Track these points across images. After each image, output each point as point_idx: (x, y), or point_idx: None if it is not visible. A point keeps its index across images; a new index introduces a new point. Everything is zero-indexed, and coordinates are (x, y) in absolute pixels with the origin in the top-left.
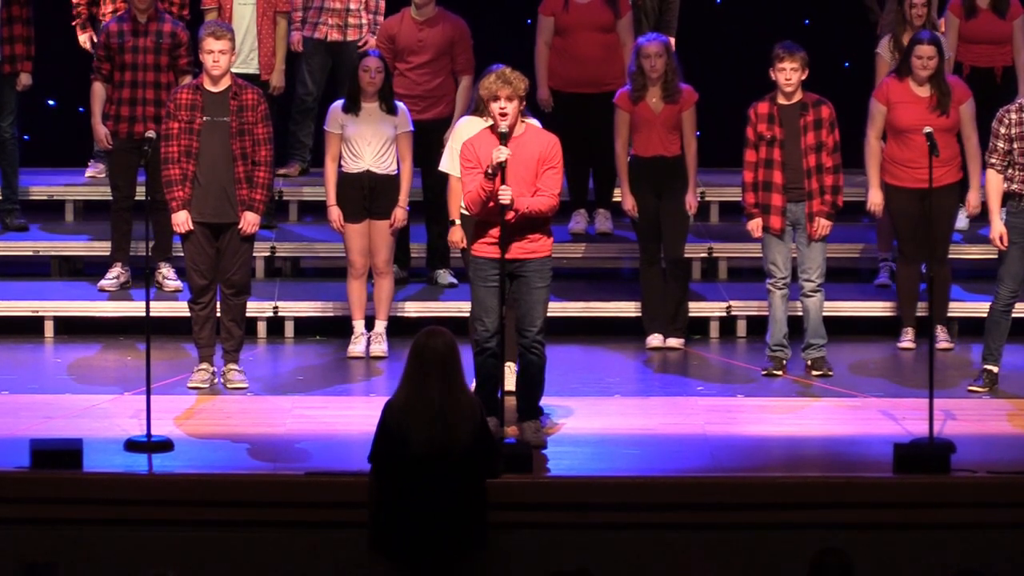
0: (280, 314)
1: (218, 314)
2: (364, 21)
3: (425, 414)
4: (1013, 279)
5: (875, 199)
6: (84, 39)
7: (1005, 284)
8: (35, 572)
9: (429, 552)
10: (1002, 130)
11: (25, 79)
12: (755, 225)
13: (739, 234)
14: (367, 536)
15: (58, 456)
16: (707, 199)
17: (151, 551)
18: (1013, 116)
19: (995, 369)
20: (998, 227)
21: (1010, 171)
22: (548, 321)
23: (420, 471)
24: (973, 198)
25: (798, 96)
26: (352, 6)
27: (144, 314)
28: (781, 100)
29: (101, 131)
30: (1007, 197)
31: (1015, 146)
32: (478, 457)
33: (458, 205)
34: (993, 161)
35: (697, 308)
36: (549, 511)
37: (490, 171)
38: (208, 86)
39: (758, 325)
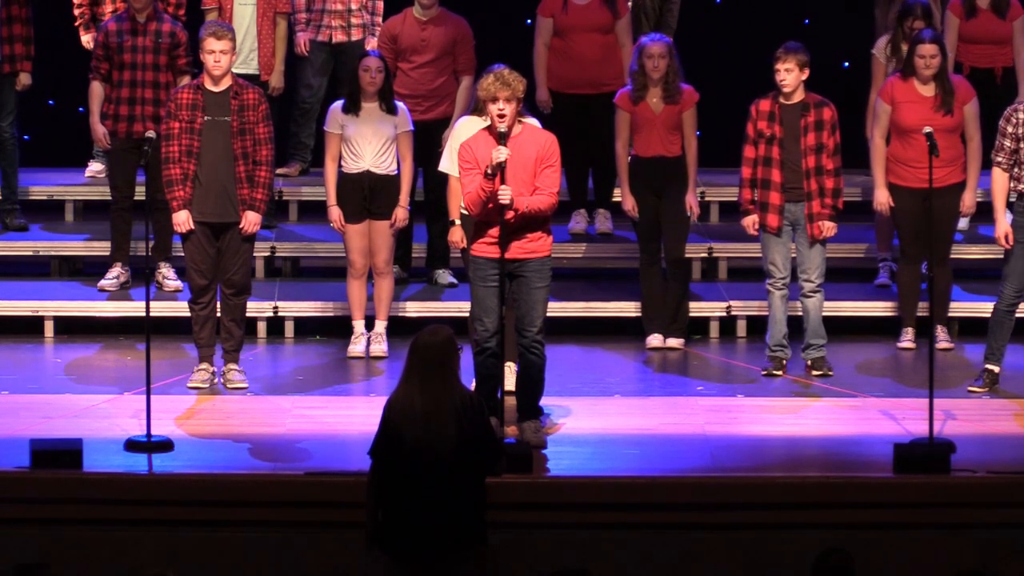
0: (280, 314)
1: (218, 314)
2: (365, 21)
3: (412, 412)
4: (1017, 278)
5: (881, 198)
6: (87, 39)
7: (1009, 283)
8: (26, 572)
9: (426, 549)
10: (1009, 129)
11: (25, 79)
12: (750, 221)
13: (739, 234)
14: (365, 533)
15: (58, 456)
16: (707, 199)
17: (151, 551)
18: (1021, 115)
19: (996, 369)
20: (1003, 226)
21: (1016, 170)
22: (548, 321)
23: (412, 469)
24: (968, 198)
25: (800, 96)
26: (353, 6)
27: (144, 314)
28: (783, 99)
29: (99, 130)
30: (1012, 198)
31: (1022, 146)
32: (473, 455)
33: (458, 205)
34: (1000, 160)
35: (697, 308)
36: (549, 511)
37: (490, 171)
38: (209, 86)
39: (758, 325)
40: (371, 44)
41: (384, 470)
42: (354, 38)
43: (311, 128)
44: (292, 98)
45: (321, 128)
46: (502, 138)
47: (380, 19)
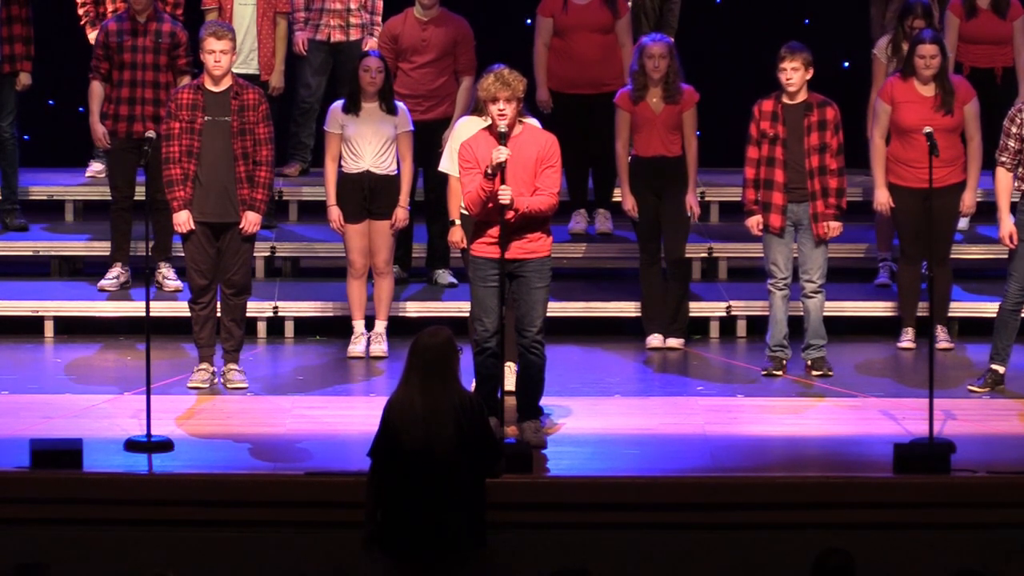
0: (280, 314)
1: (218, 314)
2: (364, 21)
3: (412, 413)
4: (1022, 277)
5: (881, 198)
6: (94, 36)
7: (1014, 282)
8: (26, 572)
9: (425, 550)
10: (1013, 129)
11: (25, 79)
12: (755, 222)
13: (739, 234)
14: (363, 533)
15: (58, 456)
16: (707, 199)
17: (151, 551)
18: None
19: (1001, 369)
20: (1007, 226)
21: (1020, 170)
22: (548, 321)
23: (411, 469)
24: (968, 198)
25: (803, 96)
26: (352, 6)
27: (144, 314)
28: (786, 99)
29: (99, 130)
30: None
31: None
32: (473, 456)
33: (458, 205)
34: (1004, 160)
35: (697, 308)
36: (549, 511)
37: (490, 171)
38: (209, 86)
39: (758, 325)
40: (370, 44)
41: (383, 471)
42: (352, 38)
43: (311, 128)
44: (292, 98)
45: (321, 128)
46: (502, 138)
47: (379, 18)
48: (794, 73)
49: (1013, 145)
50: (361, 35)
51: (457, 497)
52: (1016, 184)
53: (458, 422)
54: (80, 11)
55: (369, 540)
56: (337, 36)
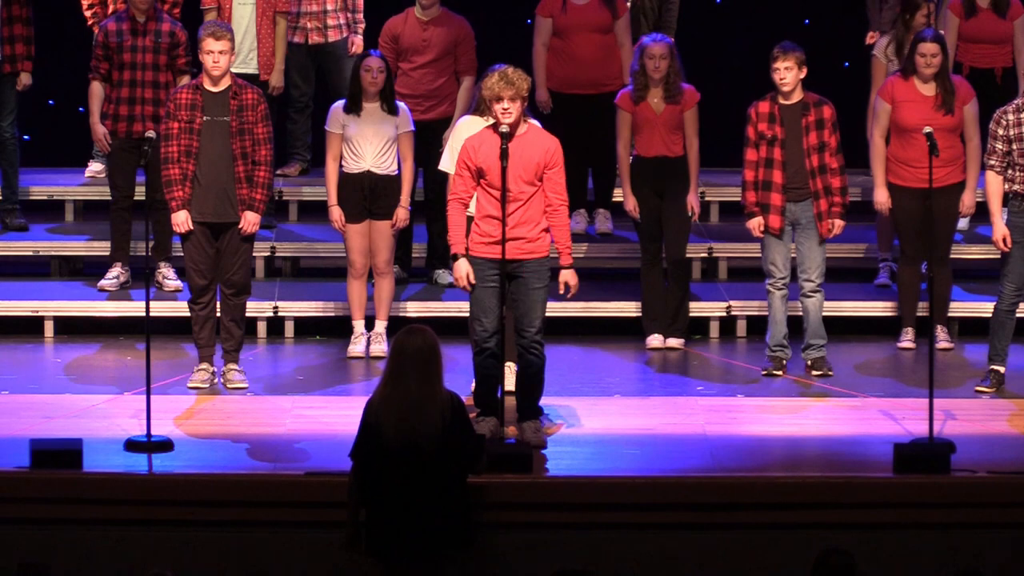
0: (280, 314)
1: (218, 314)
2: (342, 21)
3: (397, 410)
4: (1016, 277)
5: (880, 198)
6: None
7: (1008, 283)
8: (28, 572)
9: (409, 549)
10: (1000, 131)
11: (25, 79)
12: (756, 223)
13: (739, 234)
14: (344, 534)
15: (58, 456)
16: (707, 199)
17: (151, 551)
18: (1011, 117)
19: (1002, 369)
20: (1000, 229)
21: (1010, 172)
22: (548, 321)
23: (395, 467)
24: (967, 198)
25: (799, 96)
26: (329, 7)
27: (144, 314)
28: (782, 99)
29: (100, 131)
30: (1008, 197)
31: (1014, 147)
32: (455, 453)
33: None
34: (992, 163)
35: (697, 308)
36: (549, 511)
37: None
38: (208, 86)
39: (758, 325)
40: (355, 42)
41: (366, 471)
42: (331, 39)
43: (307, 126)
44: (289, 98)
45: (320, 127)
46: (505, 137)
47: (362, 15)
48: (787, 73)
49: (1000, 147)
50: (341, 35)
51: (441, 496)
52: (1007, 187)
53: (441, 420)
54: (87, 12)
55: (351, 541)
56: (315, 38)
